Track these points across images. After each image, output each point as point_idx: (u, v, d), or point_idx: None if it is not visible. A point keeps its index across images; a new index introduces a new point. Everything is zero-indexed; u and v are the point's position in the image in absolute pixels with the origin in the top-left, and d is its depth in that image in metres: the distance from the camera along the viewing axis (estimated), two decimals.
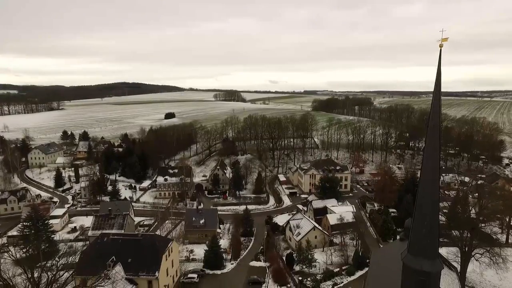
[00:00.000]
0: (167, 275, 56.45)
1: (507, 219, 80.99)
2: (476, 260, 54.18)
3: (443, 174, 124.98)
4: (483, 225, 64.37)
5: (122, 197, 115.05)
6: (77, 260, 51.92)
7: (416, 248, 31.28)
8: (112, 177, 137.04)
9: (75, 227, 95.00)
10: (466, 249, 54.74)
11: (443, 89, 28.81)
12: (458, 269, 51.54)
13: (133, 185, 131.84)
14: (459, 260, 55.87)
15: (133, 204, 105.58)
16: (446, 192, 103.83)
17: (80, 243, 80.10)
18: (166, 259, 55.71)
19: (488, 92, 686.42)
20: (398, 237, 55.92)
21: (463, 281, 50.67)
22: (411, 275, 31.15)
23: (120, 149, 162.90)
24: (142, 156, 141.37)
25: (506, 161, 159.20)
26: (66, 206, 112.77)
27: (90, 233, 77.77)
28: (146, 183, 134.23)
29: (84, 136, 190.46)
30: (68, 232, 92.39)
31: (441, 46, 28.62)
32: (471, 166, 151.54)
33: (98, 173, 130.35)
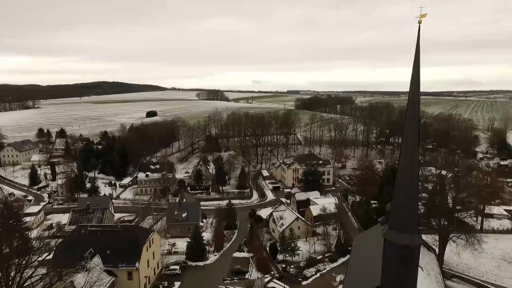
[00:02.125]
0: (148, 266, 55.15)
1: (481, 207, 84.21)
2: (454, 242, 55.87)
3: (422, 168, 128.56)
4: (459, 214, 66.82)
5: (102, 194, 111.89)
6: (51, 255, 49.93)
7: (397, 223, 31.68)
8: (91, 174, 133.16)
9: (51, 224, 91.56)
10: (444, 232, 56.35)
11: (421, 89, 29.83)
12: (437, 251, 52.92)
13: (113, 182, 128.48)
14: (437, 244, 57.45)
15: (113, 201, 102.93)
16: (425, 184, 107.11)
17: (57, 240, 77.19)
18: (147, 250, 54.41)
19: (463, 92, 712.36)
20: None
21: (441, 263, 52.00)
22: (392, 250, 31.48)
23: (100, 147, 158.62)
24: (123, 153, 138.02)
25: (480, 155, 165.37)
26: (42, 204, 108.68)
27: (67, 228, 75.21)
28: (126, 180, 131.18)
29: (62, 133, 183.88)
30: (44, 230, 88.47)
31: (420, 22, 29.16)
32: (447, 160, 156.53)
33: (76, 170, 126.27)
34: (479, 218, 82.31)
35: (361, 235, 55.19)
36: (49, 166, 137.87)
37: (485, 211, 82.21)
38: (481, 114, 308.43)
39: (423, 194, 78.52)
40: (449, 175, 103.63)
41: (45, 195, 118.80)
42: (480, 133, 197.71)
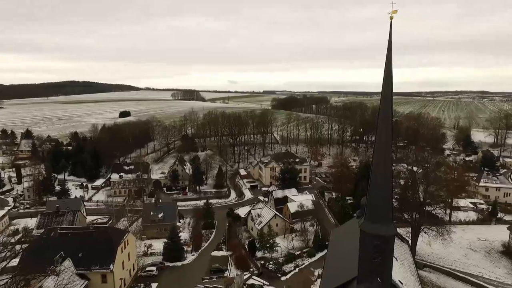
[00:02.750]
0: (123, 268, 53.36)
1: (449, 201, 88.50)
2: (425, 233, 58.18)
3: (394, 164, 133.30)
4: (429, 207, 69.93)
5: (73, 197, 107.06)
6: (17, 261, 47.15)
7: (372, 215, 32.56)
8: (60, 176, 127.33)
9: (17, 229, 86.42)
10: (416, 224, 58.60)
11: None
12: (410, 243, 54.88)
13: (84, 184, 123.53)
14: (410, 236, 59.61)
15: (85, 203, 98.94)
16: (397, 180, 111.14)
17: (22, 245, 72.96)
18: (122, 252, 52.65)
19: (431, 92, 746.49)
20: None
21: (413, 253, 53.99)
22: (368, 240, 32.31)
23: (70, 148, 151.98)
24: (95, 154, 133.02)
25: (447, 152, 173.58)
26: (7, 208, 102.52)
27: (34, 232, 71.33)
28: (99, 182, 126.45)
29: (27, 134, 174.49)
30: (9, 235, 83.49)
31: (391, 18, 30.28)
32: (418, 156, 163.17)
33: (44, 172, 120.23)
34: (448, 211, 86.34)
35: (337, 229, 56.28)
36: (14, 169, 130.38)
37: (453, 204, 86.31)
38: (447, 113, 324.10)
39: (396, 190, 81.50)
40: (420, 171, 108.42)
41: (10, 199, 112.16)
42: (447, 131, 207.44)
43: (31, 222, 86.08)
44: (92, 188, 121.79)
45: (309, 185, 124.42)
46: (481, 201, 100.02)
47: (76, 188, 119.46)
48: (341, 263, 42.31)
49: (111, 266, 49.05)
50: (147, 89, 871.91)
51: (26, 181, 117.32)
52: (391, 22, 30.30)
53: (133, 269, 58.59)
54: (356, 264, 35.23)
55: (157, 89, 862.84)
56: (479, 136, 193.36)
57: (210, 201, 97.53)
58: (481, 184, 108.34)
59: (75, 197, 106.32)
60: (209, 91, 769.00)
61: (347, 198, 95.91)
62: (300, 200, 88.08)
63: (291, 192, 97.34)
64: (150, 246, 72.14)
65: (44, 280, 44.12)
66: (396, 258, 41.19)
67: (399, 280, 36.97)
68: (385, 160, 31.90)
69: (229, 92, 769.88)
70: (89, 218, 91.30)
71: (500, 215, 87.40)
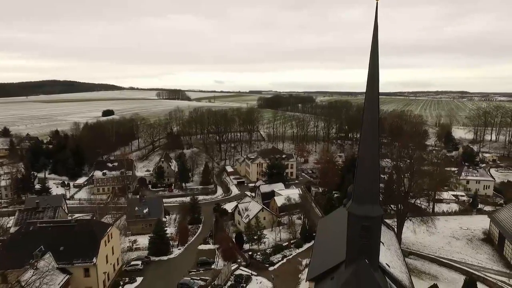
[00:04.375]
0: (107, 262, 51.84)
1: (432, 194, 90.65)
2: (410, 220, 59.21)
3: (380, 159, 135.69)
4: (414, 200, 71.45)
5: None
6: None
7: (359, 196, 32.71)
8: (41, 175, 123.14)
9: None
10: (401, 213, 59.54)
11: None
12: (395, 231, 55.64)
13: (66, 182, 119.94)
14: (396, 225, 60.47)
15: (67, 201, 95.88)
16: (381, 176, 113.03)
17: None
18: (106, 245, 51.10)
19: (413, 92, 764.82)
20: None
21: (399, 241, 54.75)
22: (355, 222, 32.39)
23: (50, 146, 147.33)
24: (77, 152, 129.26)
25: (429, 148, 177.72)
26: None
27: (12, 230, 68.22)
28: (81, 180, 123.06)
29: (5, 133, 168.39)
30: None
31: (377, 0, 30.62)
32: (401, 152, 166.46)
33: (23, 170, 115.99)
34: (431, 204, 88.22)
35: (325, 218, 56.44)
36: None
37: (436, 197, 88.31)
38: (429, 112, 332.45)
39: (381, 185, 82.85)
40: (404, 166, 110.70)
41: None
42: (429, 128, 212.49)
43: (9, 221, 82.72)
44: (74, 186, 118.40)
45: (296, 181, 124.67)
46: (463, 194, 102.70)
47: (57, 187, 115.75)
48: (329, 249, 42.38)
49: (94, 260, 47.49)
50: (131, 88, 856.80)
51: (3, 179, 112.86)
52: (377, 4, 30.59)
53: (118, 264, 57.05)
54: (343, 249, 35.36)
55: (141, 89, 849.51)
56: (459, 133, 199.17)
57: (197, 197, 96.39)
58: (462, 177, 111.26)
59: (56, 194, 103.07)
60: (194, 91, 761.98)
61: (334, 192, 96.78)
62: (287, 194, 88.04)
63: (278, 187, 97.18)
64: (135, 241, 70.54)
65: (22, 275, 42.28)
66: (383, 243, 41.57)
67: (386, 263, 37.32)
68: (373, 139, 32.07)
69: (215, 92, 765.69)
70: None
71: (480, 206, 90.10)
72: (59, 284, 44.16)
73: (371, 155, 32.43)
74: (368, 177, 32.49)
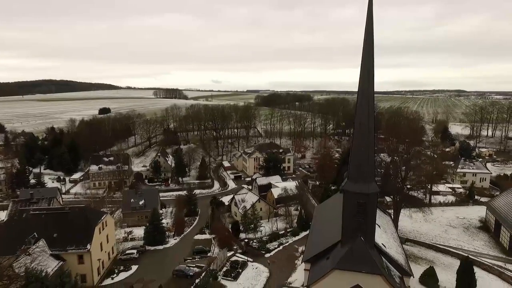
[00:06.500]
0: (102, 250, 51.33)
1: (429, 186, 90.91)
2: (406, 207, 59.15)
3: (375, 154, 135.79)
4: (410, 192, 71.55)
5: None
6: None
7: (355, 174, 32.54)
8: (36, 170, 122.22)
9: None
10: (398, 199, 59.46)
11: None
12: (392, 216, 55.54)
13: (62, 177, 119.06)
14: (392, 213, 60.32)
15: (62, 196, 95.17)
16: (378, 170, 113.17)
17: None
18: (100, 232, 50.63)
19: (410, 91, 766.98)
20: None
21: (396, 226, 54.54)
22: (351, 199, 32.20)
23: (46, 142, 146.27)
24: (73, 147, 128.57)
25: (426, 143, 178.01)
26: None
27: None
28: (77, 175, 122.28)
29: (0, 129, 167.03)
30: None
31: None
32: (398, 148, 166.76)
33: (18, 165, 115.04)
34: (428, 196, 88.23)
35: (321, 204, 56.25)
36: None
37: (433, 189, 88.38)
38: (426, 109, 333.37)
39: (377, 178, 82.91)
40: (401, 159, 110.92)
41: None
42: (426, 125, 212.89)
43: (4, 215, 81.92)
44: (70, 181, 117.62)
45: (293, 175, 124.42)
46: (459, 186, 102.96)
47: (53, 182, 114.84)
48: (325, 232, 42.13)
49: (88, 246, 47.02)
50: (128, 88, 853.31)
51: None
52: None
53: (113, 253, 56.54)
54: (339, 231, 35.14)
55: (138, 88, 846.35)
56: (456, 128, 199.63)
57: (194, 190, 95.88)
58: (458, 170, 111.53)
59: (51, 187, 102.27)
60: (192, 90, 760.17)
61: (330, 184, 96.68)
62: (284, 185, 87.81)
63: (275, 179, 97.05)
64: (130, 232, 70.12)
65: (14, 261, 41.70)
66: (379, 226, 41.40)
67: (382, 244, 37.13)
68: (368, 116, 31.89)
69: (212, 91, 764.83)
70: None
71: (476, 197, 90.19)
72: (52, 270, 43.67)
73: (366, 131, 32.24)
74: (363, 154, 32.33)
